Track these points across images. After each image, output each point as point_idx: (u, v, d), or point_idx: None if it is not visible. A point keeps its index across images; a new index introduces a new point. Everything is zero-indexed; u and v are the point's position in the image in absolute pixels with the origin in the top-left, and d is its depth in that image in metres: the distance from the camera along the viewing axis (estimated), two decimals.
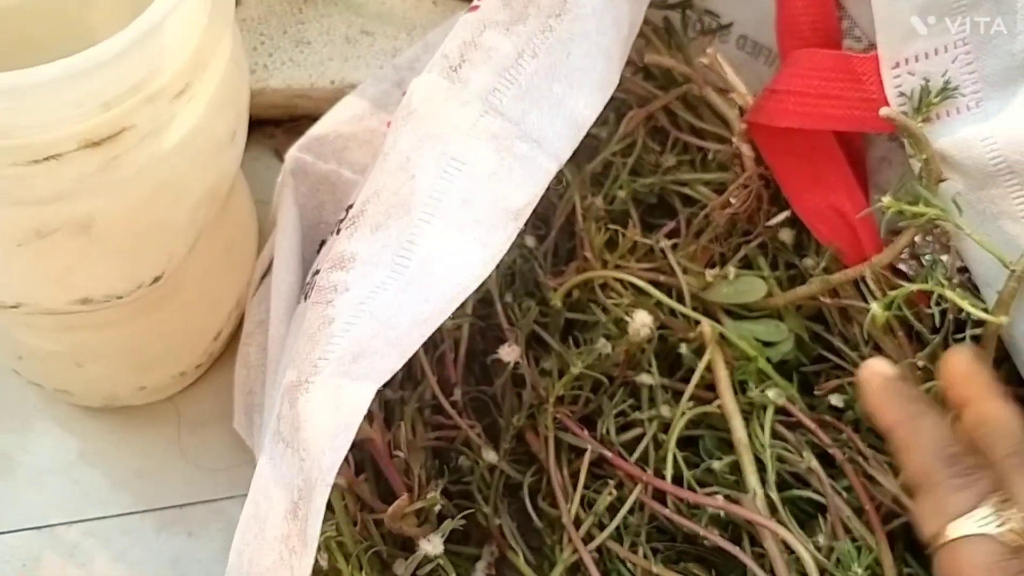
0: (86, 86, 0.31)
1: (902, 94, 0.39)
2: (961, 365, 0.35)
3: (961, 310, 0.37)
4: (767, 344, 0.45)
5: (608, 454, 0.41)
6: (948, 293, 0.36)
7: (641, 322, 0.42)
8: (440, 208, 0.35)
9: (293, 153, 0.46)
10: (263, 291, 0.46)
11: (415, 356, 0.43)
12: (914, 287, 0.37)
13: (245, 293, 0.48)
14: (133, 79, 0.32)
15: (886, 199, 0.37)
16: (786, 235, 0.45)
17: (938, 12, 0.37)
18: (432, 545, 0.37)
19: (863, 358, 0.44)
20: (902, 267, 0.42)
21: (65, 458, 0.48)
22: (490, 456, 0.42)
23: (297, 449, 0.33)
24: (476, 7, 0.38)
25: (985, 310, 0.37)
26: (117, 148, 0.33)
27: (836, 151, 0.44)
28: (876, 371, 0.35)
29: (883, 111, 0.38)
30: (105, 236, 0.36)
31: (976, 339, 0.38)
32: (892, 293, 0.38)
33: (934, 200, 0.37)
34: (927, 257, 0.39)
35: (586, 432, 0.42)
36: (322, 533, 0.36)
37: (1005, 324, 0.37)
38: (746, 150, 0.45)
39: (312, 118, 0.57)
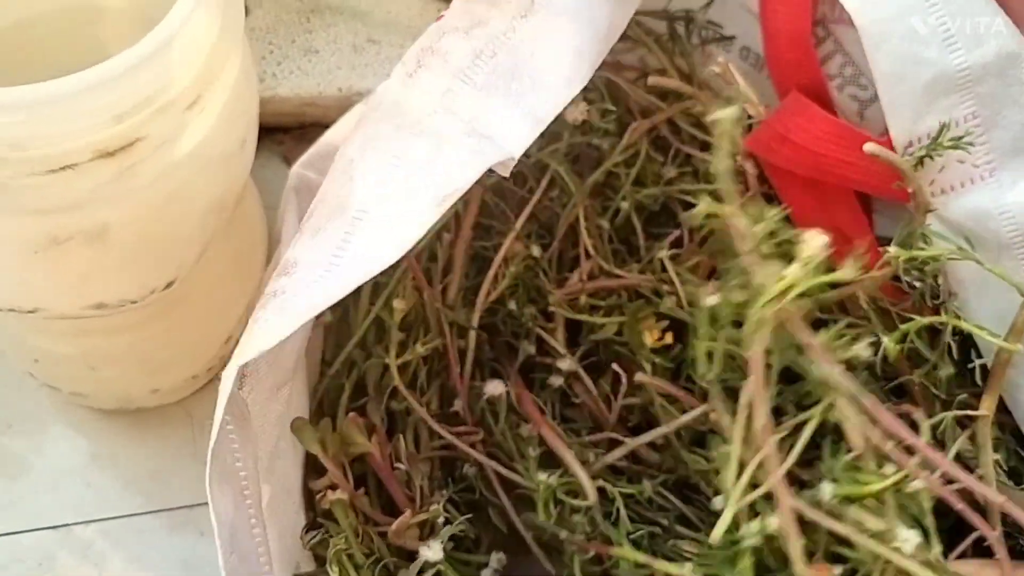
0: (100, 99, 0.32)
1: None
2: None
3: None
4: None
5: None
6: (964, 325, 0.37)
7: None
8: (374, 203, 0.35)
9: (296, 170, 0.47)
10: None
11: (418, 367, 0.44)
12: (925, 321, 0.38)
13: (255, 297, 0.49)
14: (146, 91, 0.33)
15: (893, 249, 0.37)
16: None
17: (943, 90, 0.37)
18: (432, 551, 0.37)
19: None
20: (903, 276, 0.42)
21: (79, 459, 0.49)
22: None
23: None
24: (441, 16, 0.39)
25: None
26: (131, 158, 0.34)
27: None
28: None
29: (867, 147, 0.38)
30: (119, 243, 0.37)
31: (984, 369, 0.39)
32: (904, 327, 0.38)
33: (950, 236, 0.38)
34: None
35: None
36: (332, 546, 0.37)
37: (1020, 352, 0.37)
38: (749, 168, 0.45)
39: (320, 125, 0.58)
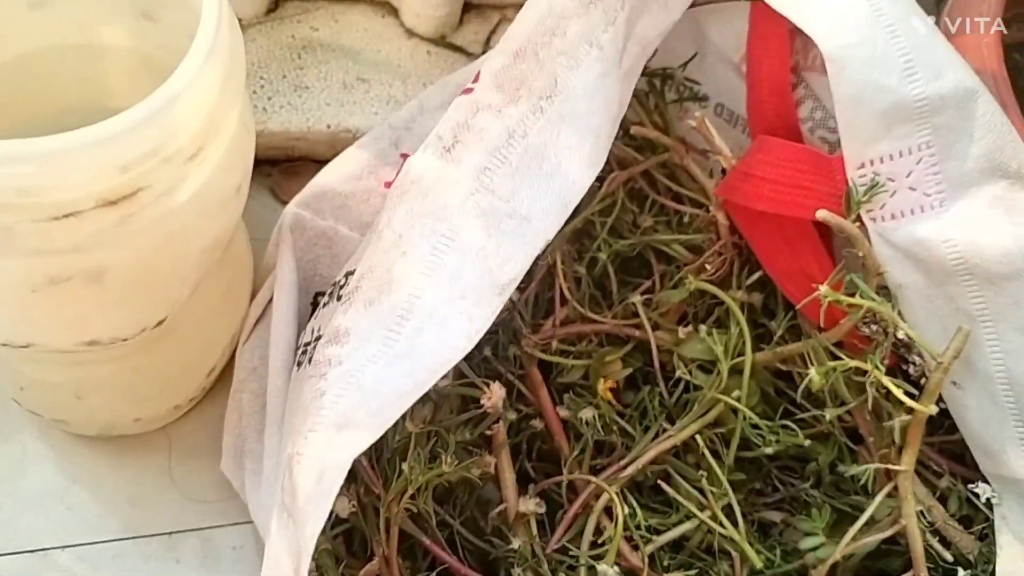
0: (107, 152, 0.33)
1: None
2: None
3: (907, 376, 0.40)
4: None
5: None
6: (884, 380, 0.39)
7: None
8: (429, 283, 0.37)
9: (292, 209, 0.48)
10: (256, 338, 0.48)
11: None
12: (852, 364, 0.40)
13: (239, 329, 0.50)
14: (150, 145, 0.34)
15: (823, 288, 0.39)
16: (755, 298, 0.48)
17: (901, 117, 0.39)
18: None
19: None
20: (864, 329, 0.45)
21: (59, 484, 0.50)
22: None
23: (295, 517, 0.35)
24: (470, 89, 0.40)
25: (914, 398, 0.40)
26: (132, 206, 0.35)
27: (805, 221, 0.46)
28: None
29: (819, 213, 0.40)
30: (115, 284, 0.38)
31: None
32: (831, 364, 0.40)
33: (870, 292, 0.40)
34: (873, 327, 0.41)
35: None
36: None
37: (934, 413, 0.40)
38: (721, 218, 0.47)
39: (308, 160, 0.59)
